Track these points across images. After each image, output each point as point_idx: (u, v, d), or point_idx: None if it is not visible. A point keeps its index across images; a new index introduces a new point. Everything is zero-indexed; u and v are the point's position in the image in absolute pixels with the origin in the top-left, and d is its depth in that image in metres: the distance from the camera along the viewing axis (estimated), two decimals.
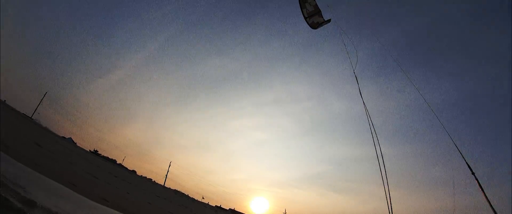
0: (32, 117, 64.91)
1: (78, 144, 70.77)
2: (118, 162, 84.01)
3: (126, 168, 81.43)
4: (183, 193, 75.34)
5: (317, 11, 6.20)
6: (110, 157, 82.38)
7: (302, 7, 6.05)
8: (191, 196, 75.74)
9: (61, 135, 71.40)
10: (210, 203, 76.50)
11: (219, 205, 79.13)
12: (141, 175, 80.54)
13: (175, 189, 75.45)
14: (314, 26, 6.08)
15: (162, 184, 77.82)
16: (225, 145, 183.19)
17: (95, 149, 78.23)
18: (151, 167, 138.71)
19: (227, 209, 75.09)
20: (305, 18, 6.06)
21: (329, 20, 6.05)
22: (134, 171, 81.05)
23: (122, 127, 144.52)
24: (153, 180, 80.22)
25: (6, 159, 9.40)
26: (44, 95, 71.65)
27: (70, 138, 73.69)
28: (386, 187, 5.56)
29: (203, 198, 76.62)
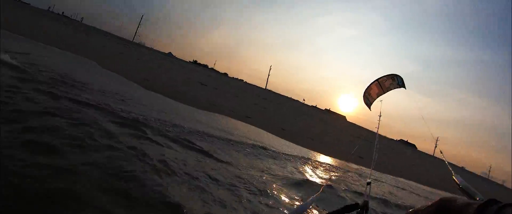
0: (133, 40, 75.13)
1: (177, 57, 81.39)
2: (210, 67, 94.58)
3: (218, 71, 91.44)
4: (288, 96, 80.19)
5: (382, 93, 6.18)
6: (202, 63, 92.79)
7: (386, 77, 5.89)
8: (294, 98, 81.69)
9: (161, 51, 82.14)
10: (306, 103, 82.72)
11: (315, 105, 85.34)
12: (233, 77, 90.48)
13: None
14: (364, 93, 5.88)
15: (256, 85, 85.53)
16: (312, 43, 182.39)
17: (194, 59, 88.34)
18: (240, 67, 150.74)
19: (323, 109, 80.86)
20: (376, 80, 5.90)
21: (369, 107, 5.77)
22: (226, 74, 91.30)
23: (210, 33, 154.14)
24: (244, 81, 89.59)
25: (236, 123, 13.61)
26: (141, 17, 79.98)
27: (170, 53, 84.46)
28: None
29: (303, 100, 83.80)
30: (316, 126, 25.10)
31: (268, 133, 12.95)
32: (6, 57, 7.97)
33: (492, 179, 69.95)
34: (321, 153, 13.07)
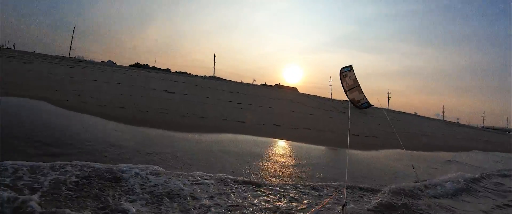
0: (70, 56, 65.46)
1: (117, 64, 73.54)
2: (151, 66, 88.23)
3: (160, 69, 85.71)
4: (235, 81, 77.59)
5: (356, 85, 7.83)
6: (143, 63, 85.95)
7: (342, 80, 7.60)
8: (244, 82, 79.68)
9: (100, 61, 73.38)
10: (255, 83, 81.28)
11: (264, 83, 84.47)
12: (176, 71, 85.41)
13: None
14: (355, 104, 7.62)
15: (199, 75, 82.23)
16: (248, 21, 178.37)
17: (136, 62, 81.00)
18: (182, 60, 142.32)
19: (273, 85, 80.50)
20: (346, 91, 7.56)
21: (369, 105, 7.45)
22: (168, 70, 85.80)
23: (143, 32, 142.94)
24: (188, 73, 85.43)
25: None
26: (74, 29, 69.42)
27: (110, 60, 75.92)
28: None
29: (254, 80, 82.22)
30: (295, 109, 24.89)
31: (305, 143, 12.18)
32: None
33: (447, 119, 77.17)
34: (331, 145, 12.76)
